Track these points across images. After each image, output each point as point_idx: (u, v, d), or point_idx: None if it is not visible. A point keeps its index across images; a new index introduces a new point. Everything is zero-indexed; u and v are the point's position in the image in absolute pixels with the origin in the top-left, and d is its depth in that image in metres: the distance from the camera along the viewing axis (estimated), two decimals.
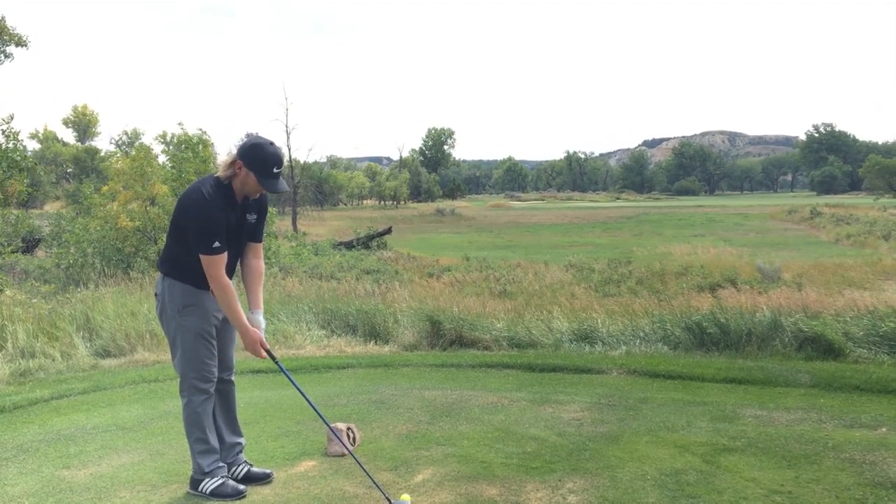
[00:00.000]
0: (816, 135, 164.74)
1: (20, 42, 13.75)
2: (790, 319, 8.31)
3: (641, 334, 8.83)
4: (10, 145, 13.41)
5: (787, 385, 6.57)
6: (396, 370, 7.65)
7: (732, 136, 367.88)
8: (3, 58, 13.66)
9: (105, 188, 20.19)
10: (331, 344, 9.35)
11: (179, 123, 20.63)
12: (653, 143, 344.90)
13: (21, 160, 13.36)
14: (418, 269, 23.78)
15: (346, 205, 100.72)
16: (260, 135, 4.18)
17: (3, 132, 13.30)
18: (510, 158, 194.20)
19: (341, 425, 4.87)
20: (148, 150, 20.58)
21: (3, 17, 13.54)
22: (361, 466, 4.14)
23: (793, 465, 4.44)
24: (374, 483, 4.03)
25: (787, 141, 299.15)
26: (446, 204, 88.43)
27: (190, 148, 19.05)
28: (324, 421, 4.45)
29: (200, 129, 20.90)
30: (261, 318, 4.24)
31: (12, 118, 13.93)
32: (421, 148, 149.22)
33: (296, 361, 8.12)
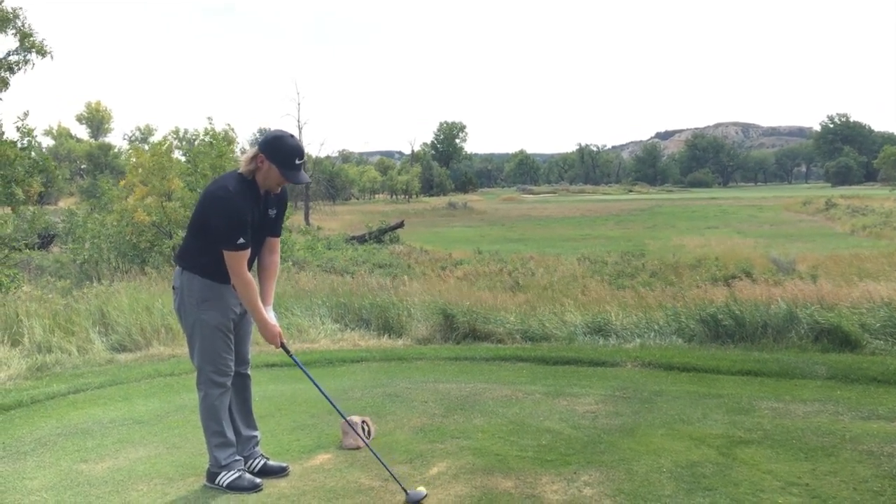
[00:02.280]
0: (831, 125, 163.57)
1: (42, 51, 13.87)
2: (806, 311, 8.27)
3: (656, 327, 8.80)
4: (25, 142, 13.55)
5: (803, 377, 6.53)
6: (410, 363, 7.66)
7: (746, 128, 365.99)
8: (24, 65, 13.78)
9: (122, 182, 20.29)
10: (344, 338, 9.37)
11: (209, 118, 20.63)
12: (665, 135, 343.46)
13: (42, 162, 13.51)
14: (431, 262, 23.84)
15: (357, 199, 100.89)
16: (281, 129, 4.20)
17: (18, 129, 13.44)
18: (522, 152, 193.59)
19: (356, 418, 4.88)
20: (170, 144, 20.67)
21: (28, 26, 13.69)
22: (378, 458, 4.16)
23: (810, 458, 4.42)
24: (391, 474, 4.05)
25: (802, 132, 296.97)
26: (458, 198, 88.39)
27: (216, 143, 19.12)
28: (339, 413, 4.47)
29: (228, 125, 21.00)
30: (272, 314, 4.26)
31: (27, 115, 14.11)
32: (433, 142, 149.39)
33: (310, 355, 8.13)
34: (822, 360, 7.00)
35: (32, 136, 13.80)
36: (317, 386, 4.36)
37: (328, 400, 4.36)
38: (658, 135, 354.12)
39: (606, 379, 6.66)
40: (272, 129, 4.17)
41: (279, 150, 4.00)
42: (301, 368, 4.38)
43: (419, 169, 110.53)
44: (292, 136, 4.10)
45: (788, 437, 4.79)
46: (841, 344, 7.67)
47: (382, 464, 4.13)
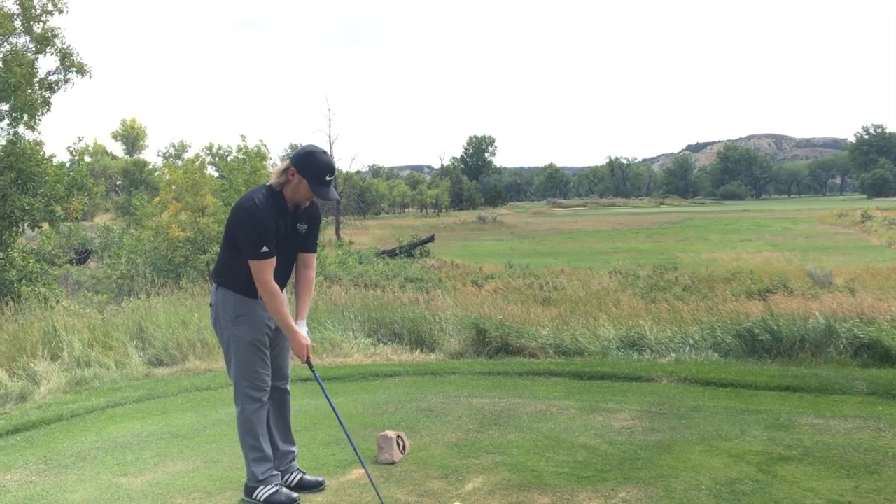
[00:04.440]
0: (866, 136, 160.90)
1: (81, 69, 14.24)
2: (845, 325, 8.14)
3: (691, 341, 8.71)
4: (75, 163, 14.02)
5: (843, 392, 6.42)
6: (444, 378, 7.65)
7: (779, 139, 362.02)
8: (64, 84, 14.19)
9: (156, 199, 20.60)
10: (377, 352, 9.39)
11: (242, 136, 20.94)
12: (697, 148, 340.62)
13: (82, 180, 13.86)
14: (461, 276, 23.77)
15: (388, 213, 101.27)
16: (313, 144, 4.25)
17: (70, 151, 13.90)
18: (551, 165, 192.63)
19: (391, 433, 4.90)
20: (203, 161, 20.99)
21: (69, 46, 14.09)
22: (371, 481, 4.15)
23: (852, 475, 4.34)
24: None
25: (836, 143, 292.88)
26: (488, 211, 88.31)
27: (250, 159, 19.37)
28: (345, 432, 4.34)
29: (261, 141, 21.22)
30: (304, 329, 4.28)
31: (81, 139, 14.96)
32: (462, 156, 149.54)
33: (343, 370, 8.18)
34: (862, 376, 6.88)
35: (82, 158, 14.32)
36: (331, 404, 4.32)
37: (338, 420, 4.30)
38: (689, 147, 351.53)
39: (642, 394, 6.61)
40: (304, 144, 4.20)
41: (311, 164, 4.06)
42: (319, 385, 4.37)
43: (449, 183, 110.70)
44: (325, 152, 4.16)
45: (829, 454, 4.72)
46: (881, 359, 7.54)
47: (375, 488, 4.12)
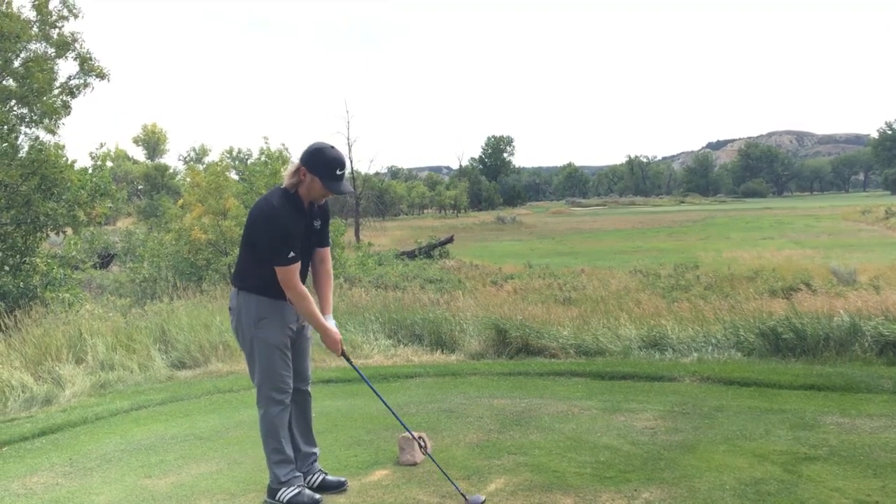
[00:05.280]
0: (889, 132, 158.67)
1: (101, 74, 14.37)
2: (870, 323, 8.03)
3: (714, 341, 8.65)
4: (98, 168, 14.15)
5: (869, 391, 6.34)
6: (464, 379, 7.64)
7: (800, 136, 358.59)
8: (84, 88, 14.32)
9: (180, 202, 20.81)
10: (398, 353, 9.40)
11: (264, 138, 21.15)
12: (717, 145, 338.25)
13: (104, 186, 14.00)
14: (481, 277, 23.82)
15: (406, 214, 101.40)
16: (321, 140, 4.24)
17: (92, 156, 14.09)
18: (570, 164, 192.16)
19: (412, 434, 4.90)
20: (226, 164, 21.24)
21: (87, 51, 14.24)
22: (440, 468, 4.21)
23: (879, 475, 4.29)
24: (450, 480, 4.13)
25: (858, 139, 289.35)
26: (507, 212, 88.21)
27: (271, 162, 19.55)
28: (402, 424, 4.48)
29: (283, 145, 21.53)
30: (332, 322, 4.30)
31: (103, 145, 15.14)
32: (480, 156, 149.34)
33: (364, 371, 8.11)
34: (888, 374, 6.80)
35: (104, 163, 14.47)
36: (378, 395, 4.42)
37: (390, 410, 4.41)
38: (710, 145, 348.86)
39: (664, 394, 6.56)
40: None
41: (320, 161, 4.04)
42: (362, 377, 4.45)
43: (467, 183, 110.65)
44: (333, 147, 4.13)
45: (856, 454, 4.66)
46: None
47: (444, 474, 4.17)
